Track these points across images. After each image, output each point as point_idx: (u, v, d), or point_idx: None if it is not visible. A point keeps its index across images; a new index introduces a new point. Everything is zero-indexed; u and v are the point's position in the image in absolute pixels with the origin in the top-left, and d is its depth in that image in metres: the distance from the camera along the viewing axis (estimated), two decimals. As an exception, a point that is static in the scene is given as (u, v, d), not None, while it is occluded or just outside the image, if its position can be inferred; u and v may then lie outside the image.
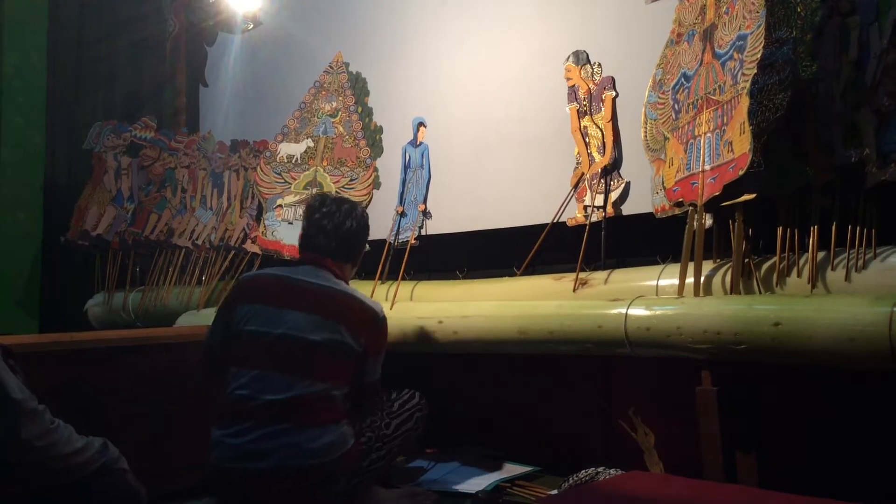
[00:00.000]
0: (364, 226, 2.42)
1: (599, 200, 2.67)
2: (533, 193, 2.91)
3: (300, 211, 3.36)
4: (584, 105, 2.75)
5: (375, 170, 3.35)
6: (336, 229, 2.32)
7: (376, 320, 2.26)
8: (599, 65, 2.75)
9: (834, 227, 2.02)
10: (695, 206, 2.21)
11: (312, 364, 2.10)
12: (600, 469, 2.36)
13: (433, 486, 2.48)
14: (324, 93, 3.53)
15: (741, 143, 2.04)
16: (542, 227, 2.79)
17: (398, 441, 2.28)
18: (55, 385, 2.25)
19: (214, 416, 2.11)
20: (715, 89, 2.20)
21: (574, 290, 2.55)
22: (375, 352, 2.26)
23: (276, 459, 1.99)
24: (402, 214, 3.24)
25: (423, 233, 3.19)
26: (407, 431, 2.31)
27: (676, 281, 2.25)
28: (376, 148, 3.39)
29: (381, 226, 3.27)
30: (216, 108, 4.31)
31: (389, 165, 3.34)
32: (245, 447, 2.01)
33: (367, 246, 2.54)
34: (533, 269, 2.84)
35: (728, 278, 2.16)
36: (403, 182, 3.28)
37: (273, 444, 2.00)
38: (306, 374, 2.08)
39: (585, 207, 2.71)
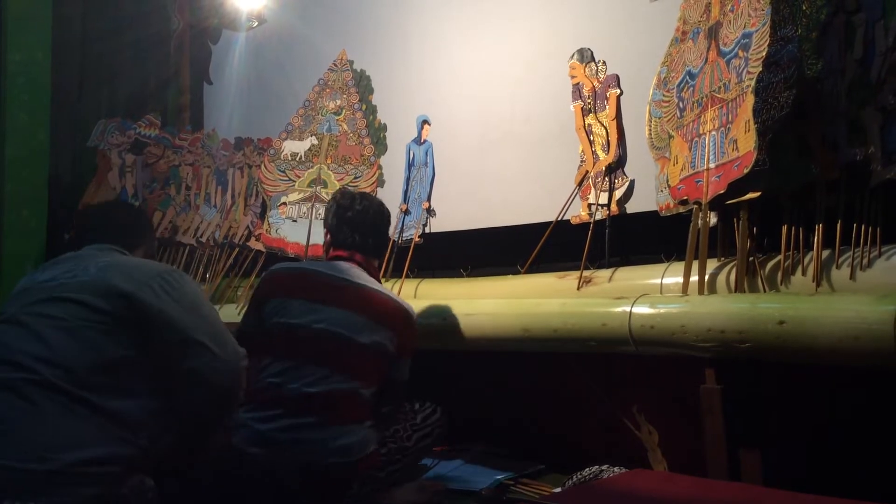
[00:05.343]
0: (389, 220, 2.48)
1: (604, 198, 2.66)
2: (537, 191, 2.91)
3: (304, 209, 3.37)
4: (589, 103, 2.75)
5: (379, 167, 3.36)
6: (372, 226, 2.36)
7: (410, 322, 2.30)
8: (604, 62, 2.75)
9: (839, 226, 2.01)
10: (699, 204, 2.21)
11: (348, 361, 2.12)
12: (604, 467, 2.36)
13: (437, 484, 2.48)
14: (328, 90, 3.53)
15: (746, 141, 2.04)
16: (546, 225, 2.78)
17: (416, 454, 2.34)
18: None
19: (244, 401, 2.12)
20: (720, 87, 2.20)
21: (578, 289, 2.55)
22: (408, 352, 2.29)
23: (297, 452, 2.01)
24: (407, 212, 3.24)
25: (426, 231, 3.19)
26: (426, 446, 2.36)
27: (681, 279, 2.25)
28: (380, 146, 3.39)
29: (385, 224, 3.28)
30: (220, 106, 4.31)
31: (393, 163, 3.34)
32: (270, 434, 2.03)
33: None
34: (537, 268, 2.84)
35: (732, 276, 2.16)
36: (407, 180, 3.28)
37: (296, 435, 2.02)
38: (340, 369, 2.10)
39: (590, 205, 2.70)
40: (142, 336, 1.64)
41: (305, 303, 2.17)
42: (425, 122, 3.27)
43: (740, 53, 2.13)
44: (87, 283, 1.67)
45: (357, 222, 2.35)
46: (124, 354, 1.61)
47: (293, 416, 2.04)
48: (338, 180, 3.37)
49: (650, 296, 2.25)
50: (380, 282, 2.37)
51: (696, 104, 2.30)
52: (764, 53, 2.04)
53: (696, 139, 2.27)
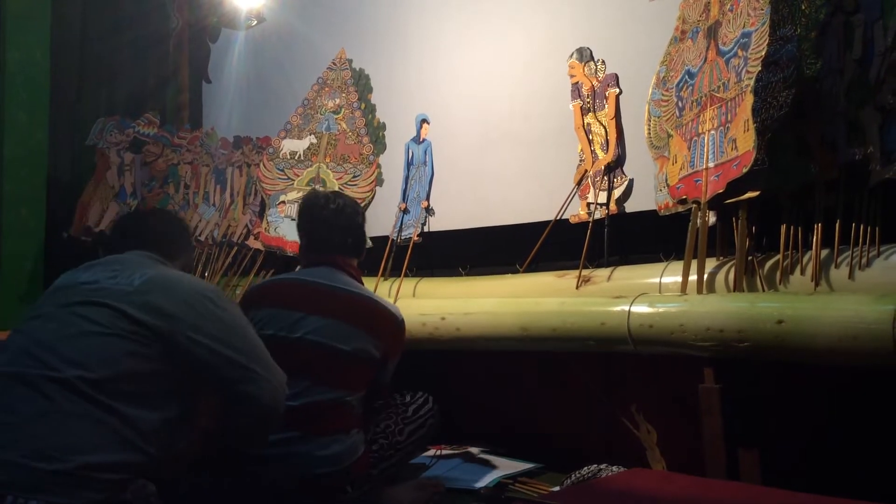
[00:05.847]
0: (365, 217, 2.39)
1: (602, 198, 2.67)
2: (536, 190, 2.91)
3: (303, 208, 3.36)
4: (588, 102, 2.75)
5: (378, 166, 3.35)
6: (349, 225, 2.28)
7: (397, 326, 2.23)
8: (603, 62, 2.75)
9: (837, 225, 2.01)
10: (698, 203, 2.21)
11: (330, 371, 2.07)
12: (602, 466, 2.36)
13: (435, 483, 2.48)
14: (327, 89, 3.53)
15: (745, 141, 2.04)
16: (545, 224, 2.79)
17: (410, 448, 2.28)
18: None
19: None
20: (719, 86, 2.20)
21: (577, 288, 2.55)
22: (393, 357, 2.23)
23: (287, 466, 1.98)
24: (405, 211, 3.24)
25: (425, 229, 3.19)
26: (419, 438, 2.30)
27: (679, 278, 2.25)
28: (379, 144, 3.39)
29: (384, 222, 3.28)
30: (219, 105, 4.31)
31: (392, 162, 3.34)
32: (256, 453, 1.99)
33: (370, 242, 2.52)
34: (536, 267, 2.84)
35: (731, 276, 2.16)
36: (406, 179, 3.28)
37: (283, 451, 1.98)
38: (322, 380, 2.05)
39: (588, 205, 2.71)
40: (178, 354, 1.62)
41: (289, 312, 2.12)
42: (424, 120, 3.27)
43: (739, 53, 2.13)
44: (129, 293, 1.63)
45: (332, 222, 2.25)
46: (153, 367, 1.59)
47: (278, 430, 1.96)
48: (336, 179, 3.36)
49: (649, 295, 2.25)
50: (361, 282, 2.30)
51: (695, 103, 2.30)
52: (763, 53, 2.04)
53: (695, 138, 2.27)
